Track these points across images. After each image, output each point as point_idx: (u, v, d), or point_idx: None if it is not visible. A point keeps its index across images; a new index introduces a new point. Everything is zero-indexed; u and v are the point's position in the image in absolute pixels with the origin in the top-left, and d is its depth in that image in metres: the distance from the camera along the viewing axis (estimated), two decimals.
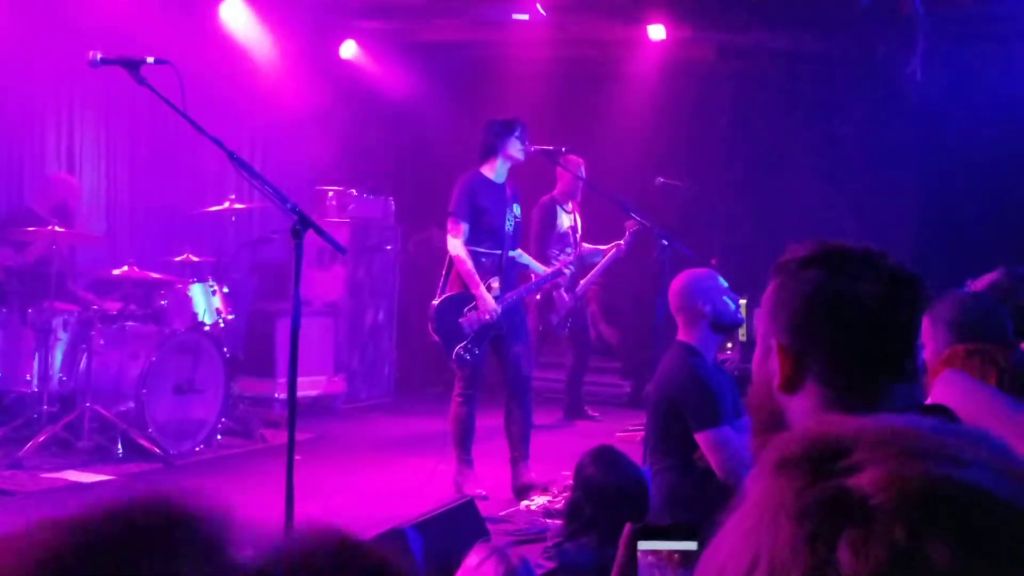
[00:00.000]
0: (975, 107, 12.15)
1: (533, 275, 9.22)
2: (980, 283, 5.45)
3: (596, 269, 11.18)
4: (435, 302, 8.50)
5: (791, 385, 2.21)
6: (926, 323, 4.47)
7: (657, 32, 12.84)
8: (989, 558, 0.85)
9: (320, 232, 5.52)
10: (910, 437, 0.94)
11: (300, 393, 11.38)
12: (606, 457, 5.41)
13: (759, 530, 0.93)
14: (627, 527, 2.78)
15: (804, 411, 2.20)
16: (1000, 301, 4.74)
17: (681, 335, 5.82)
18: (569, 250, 10.94)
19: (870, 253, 2.22)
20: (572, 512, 5.44)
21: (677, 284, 5.89)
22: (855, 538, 0.87)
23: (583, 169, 11.20)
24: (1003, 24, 11.40)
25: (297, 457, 9.19)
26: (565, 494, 5.95)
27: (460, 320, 8.38)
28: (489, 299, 8.37)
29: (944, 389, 3.33)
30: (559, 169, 10.98)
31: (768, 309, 2.30)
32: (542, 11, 12.29)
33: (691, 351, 5.72)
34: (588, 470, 5.28)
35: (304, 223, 5.36)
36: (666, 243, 8.66)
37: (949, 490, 0.89)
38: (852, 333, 2.18)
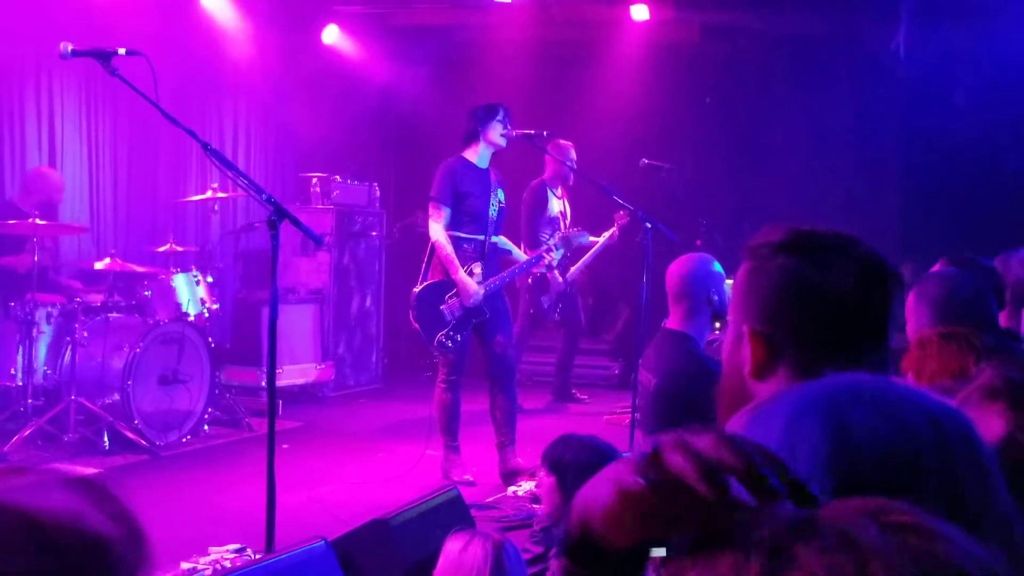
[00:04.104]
0: (959, 83, 12.14)
1: (517, 261, 9.17)
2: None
3: (587, 256, 11.18)
4: (416, 289, 8.46)
5: (762, 372, 2.20)
6: (911, 300, 4.45)
7: (640, 12, 12.82)
8: None
9: (296, 223, 5.47)
10: None
11: (287, 381, 11.47)
12: (573, 440, 5.34)
13: None
14: None
15: None
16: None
17: (675, 323, 5.55)
18: (558, 233, 10.94)
19: (843, 240, 2.20)
20: (552, 500, 5.39)
21: (683, 271, 5.58)
22: None
23: (574, 153, 11.18)
24: (987, 0, 11.37)
25: (284, 446, 9.28)
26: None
27: (441, 307, 8.35)
28: (470, 283, 8.34)
29: None
30: (549, 156, 10.97)
31: (739, 294, 2.29)
32: None
33: (689, 340, 5.57)
34: (560, 456, 5.22)
35: (280, 214, 5.31)
36: (649, 226, 8.64)
37: None
38: (822, 323, 2.16)
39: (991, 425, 2.34)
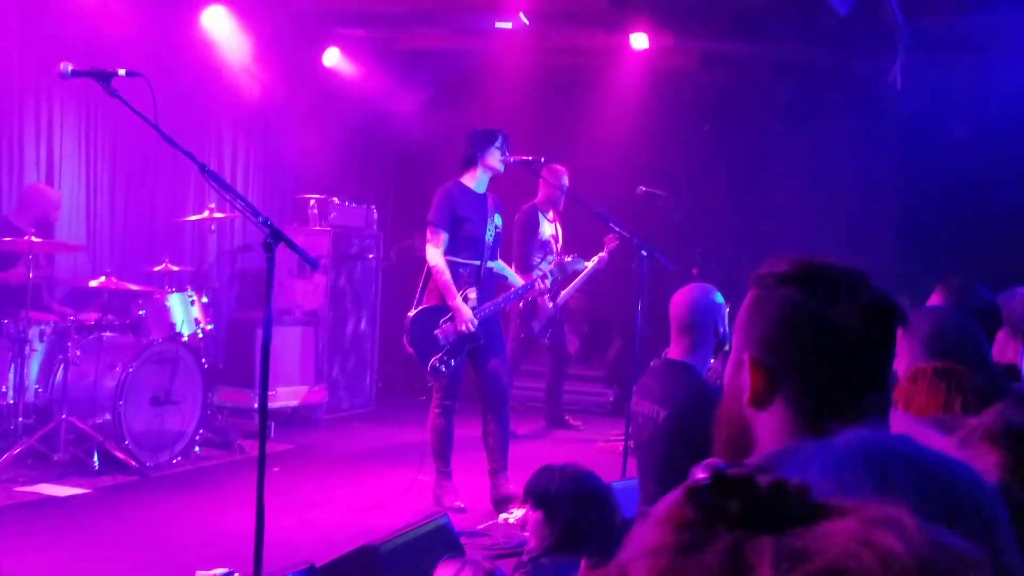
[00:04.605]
0: (955, 116, 12.16)
1: (512, 287, 9.15)
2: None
3: (576, 281, 11.16)
4: (411, 313, 8.44)
5: (760, 401, 2.18)
6: (900, 335, 4.42)
7: (640, 41, 12.82)
8: None
9: (292, 246, 5.46)
10: None
11: (280, 403, 11.45)
12: (555, 471, 5.30)
13: None
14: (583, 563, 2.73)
15: (771, 429, 2.17)
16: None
17: (679, 353, 5.43)
18: (551, 258, 10.92)
19: (851, 276, 2.18)
20: (541, 534, 5.34)
21: (690, 301, 5.47)
22: None
23: (566, 178, 11.20)
24: (983, 34, 11.39)
25: (275, 468, 9.25)
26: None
27: (435, 332, 8.33)
28: (466, 310, 8.32)
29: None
30: (542, 180, 10.99)
31: (743, 322, 2.27)
32: (525, 20, 12.26)
33: (695, 371, 5.50)
34: (545, 489, 5.17)
35: (276, 237, 5.30)
36: (646, 253, 8.62)
37: None
38: (823, 359, 2.15)
39: (986, 467, 2.32)
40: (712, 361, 6.05)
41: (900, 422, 3.31)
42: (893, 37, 11.05)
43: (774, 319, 2.19)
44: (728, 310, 6.01)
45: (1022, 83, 11.73)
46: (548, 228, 11.53)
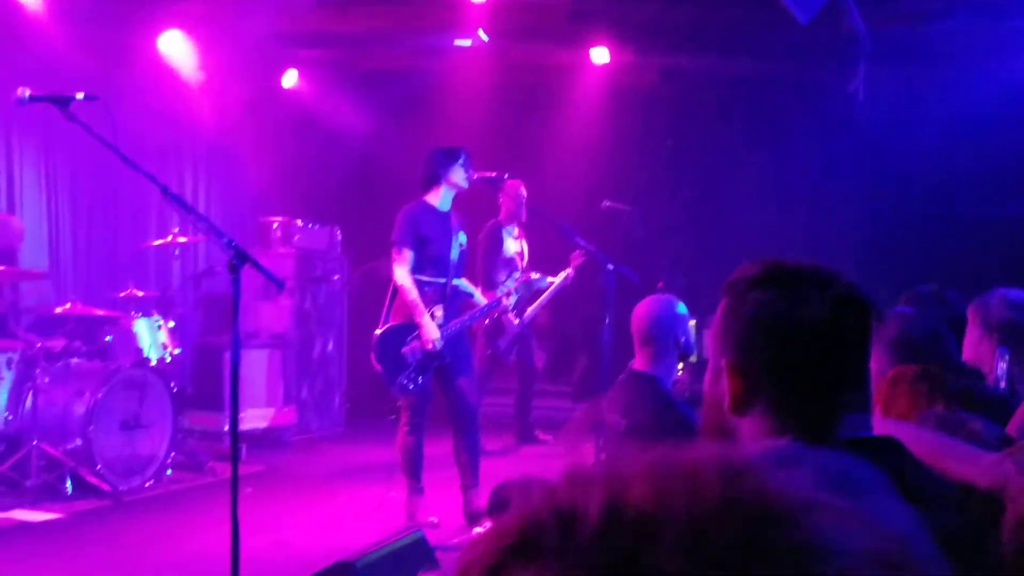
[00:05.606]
0: (917, 127, 12.24)
1: (477, 305, 9.16)
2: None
3: (543, 297, 11.17)
4: (378, 331, 8.45)
5: (741, 407, 2.20)
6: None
7: (600, 55, 12.88)
8: None
9: (257, 266, 5.48)
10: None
11: (249, 425, 11.42)
12: (514, 487, 5.30)
13: None
14: None
15: (754, 433, 2.19)
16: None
17: (642, 364, 5.51)
18: (516, 275, 10.93)
19: (820, 274, 2.20)
20: None
21: (650, 313, 5.56)
22: None
23: (523, 190, 11.21)
24: (945, 44, 11.48)
25: (247, 490, 9.22)
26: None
27: (403, 350, 8.34)
28: (432, 327, 8.33)
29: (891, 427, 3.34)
30: (502, 196, 11.01)
31: (718, 330, 2.29)
32: (484, 37, 12.30)
33: (656, 381, 5.55)
34: (509, 504, 5.18)
35: (241, 258, 5.31)
36: (611, 267, 8.66)
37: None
38: (796, 357, 2.17)
39: None
40: (680, 373, 6.09)
41: (899, 428, 3.35)
42: (854, 47, 11.12)
43: (746, 323, 2.21)
44: (695, 321, 6.04)
45: (984, 90, 11.83)
46: (513, 245, 11.53)
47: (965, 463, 3.07)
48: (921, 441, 3.17)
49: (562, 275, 10.78)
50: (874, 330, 2.26)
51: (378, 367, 8.41)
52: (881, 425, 3.20)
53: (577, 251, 10.54)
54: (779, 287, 2.19)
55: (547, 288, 10.91)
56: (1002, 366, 4.68)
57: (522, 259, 11.50)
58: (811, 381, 2.17)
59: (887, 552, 0.84)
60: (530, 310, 11.42)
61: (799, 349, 2.17)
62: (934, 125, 12.14)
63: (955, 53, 11.64)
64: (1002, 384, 4.62)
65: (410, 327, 8.37)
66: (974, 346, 4.91)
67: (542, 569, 0.85)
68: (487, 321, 11.13)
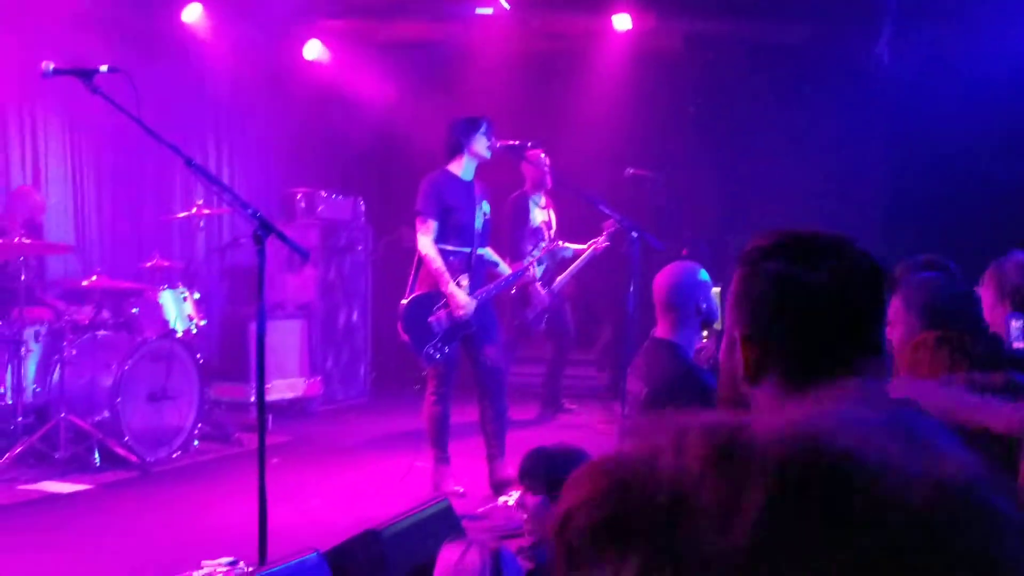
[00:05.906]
0: (942, 89, 12.14)
1: (501, 275, 9.15)
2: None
3: (574, 266, 11.14)
4: (404, 301, 8.45)
5: (755, 376, 2.21)
6: (897, 304, 4.46)
7: (623, 22, 12.84)
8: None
9: (282, 237, 5.49)
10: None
11: (276, 396, 11.47)
12: (548, 452, 5.30)
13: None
14: None
15: (769, 403, 2.19)
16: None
17: (664, 332, 5.46)
18: (543, 244, 10.90)
19: (833, 243, 2.19)
20: (544, 518, 5.35)
21: (671, 280, 5.50)
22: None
23: (545, 157, 11.13)
24: (970, 6, 11.40)
25: (274, 460, 9.27)
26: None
27: (429, 319, 8.34)
28: (461, 295, 8.33)
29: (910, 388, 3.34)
30: (524, 165, 10.96)
31: (732, 301, 2.29)
32: (506, 5, 12.28)
33: (679, 348, 5.52)
34: (548, 471, 5.17)
35: (265, 228, 5.32)
36: (636, 235, 8.64)
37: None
38: (808, 324, 2.17)
39: None
40: (704, 340, 6.07)
41: (922, 387, 3.35)
42: (880, 9, 11.05)
43: (759, 293, 2.21)
44: (719, 289, 6.01)
45: (1010, 52, 11.74)
46: (539, 215, 11.48)
47: (981, 413, 3.08)
48: (936, 397, 3.17)
49: (593, 243, 10.73)
50: (888, 297, 2.25)
51: (405, 337, 8.41)
52: (895, 388, 3.21)
53: (610, 220, 10.51)
54: (792, 257, 2.18)
55: (573, 256, 10.90)
56: (1016, 324, 4.68)
57: (549, 229, 11.44)
58: (823, 348, 2.17)
59: (958, 496, 0.92)
60: (560, 278, 11.39)
61: (811, 318, 2.16)
62: (960, 87, 12.05)
63: (981, 14, 11.55)
64: (1017, 345, 4.63)
65: (436, 296, 8.37)
66: (989, 310, 4.91)
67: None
68: (513, 291, 11.12)
